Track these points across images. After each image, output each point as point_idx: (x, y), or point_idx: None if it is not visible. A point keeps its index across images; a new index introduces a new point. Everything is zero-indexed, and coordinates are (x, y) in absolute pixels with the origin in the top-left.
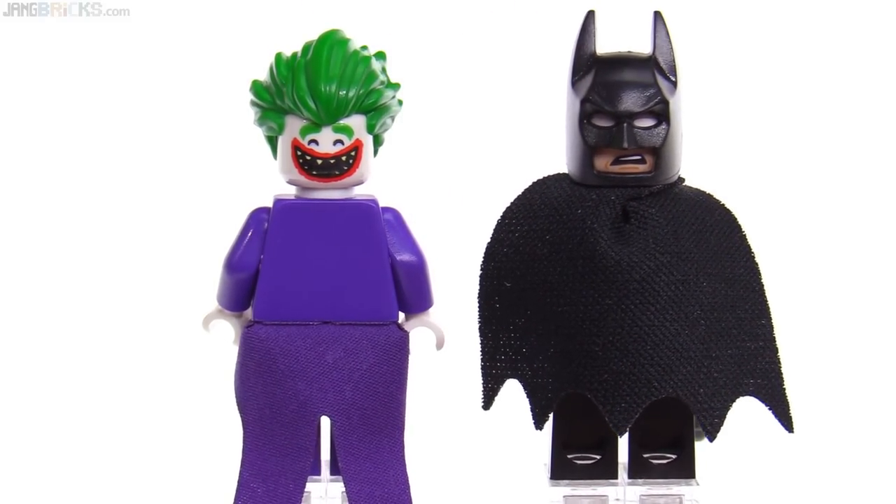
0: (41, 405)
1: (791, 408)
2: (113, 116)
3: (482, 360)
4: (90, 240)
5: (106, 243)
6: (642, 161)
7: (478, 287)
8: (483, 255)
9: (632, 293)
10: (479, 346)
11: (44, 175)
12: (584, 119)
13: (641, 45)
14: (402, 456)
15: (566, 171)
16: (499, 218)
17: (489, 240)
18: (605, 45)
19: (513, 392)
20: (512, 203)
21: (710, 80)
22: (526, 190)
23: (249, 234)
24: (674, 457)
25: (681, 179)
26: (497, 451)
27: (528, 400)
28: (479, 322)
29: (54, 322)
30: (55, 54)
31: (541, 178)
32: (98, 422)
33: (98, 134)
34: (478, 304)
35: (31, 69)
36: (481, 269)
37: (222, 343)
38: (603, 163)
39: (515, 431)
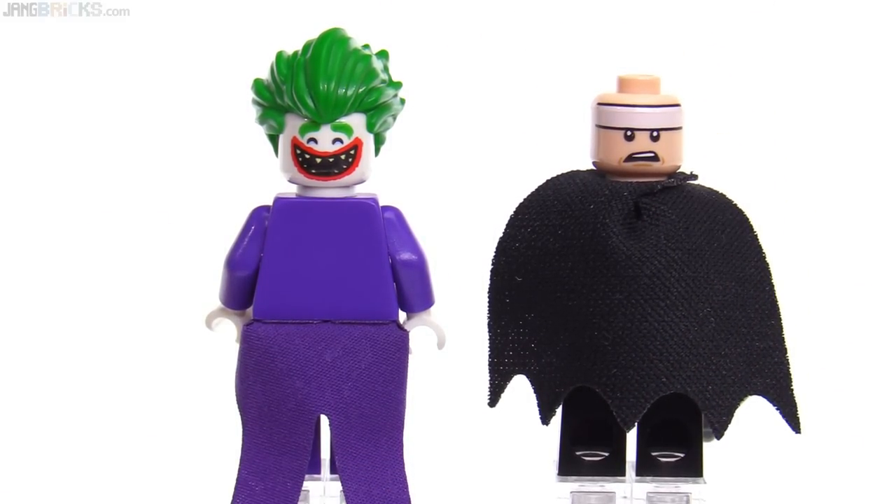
0: (42, 403)
1: (799, 408)
2: (113, 116)
3: (490, 355)
4: (91, 239)
5: (107, 242)
6: (655, 158)
7: (488, 282)
8: (495, 250)
9: (642, 288)
10: (488, 341)
11: (44, 174)
12: None
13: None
14: (401, 456)
15: (576, 167)
16: (511, 213)
17: (501, 235)
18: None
19: (520, 389)
20: (525, 199)
21: (726, 80)
22: (540, 186)
23: (250, 233)
24: (682, 455)
25: (693, 176)
26: (504, 447)
27: (535, 395)
28: (489, 317)
29: (55, 321)
30: (55, 54)
31: (554, 175)
32: (98, 419)
33: (99, 134)
34: (488, 299)
35: (32, 69)
36: (492, 264)
37: (224, 341)
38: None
39: (522, 428)
